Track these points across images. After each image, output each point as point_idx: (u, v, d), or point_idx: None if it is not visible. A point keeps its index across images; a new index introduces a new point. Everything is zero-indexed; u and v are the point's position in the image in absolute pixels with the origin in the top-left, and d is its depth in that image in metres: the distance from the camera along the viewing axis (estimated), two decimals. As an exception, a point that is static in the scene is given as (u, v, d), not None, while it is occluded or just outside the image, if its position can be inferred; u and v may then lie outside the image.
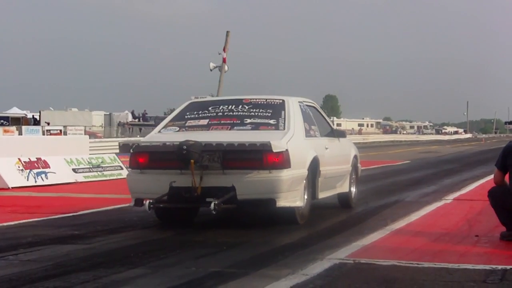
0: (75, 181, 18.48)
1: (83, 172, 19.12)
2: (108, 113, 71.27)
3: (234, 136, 9.84)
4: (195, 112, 10.96)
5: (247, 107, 10.77)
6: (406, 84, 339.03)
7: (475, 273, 6.49)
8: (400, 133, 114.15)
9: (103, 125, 66.84)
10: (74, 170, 18.88)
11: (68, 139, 29.59)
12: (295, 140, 10.00)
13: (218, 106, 10.98)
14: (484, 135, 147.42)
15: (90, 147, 24.49)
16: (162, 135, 10.51)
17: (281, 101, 10.91)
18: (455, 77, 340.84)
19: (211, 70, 38.97)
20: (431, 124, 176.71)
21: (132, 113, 70.97)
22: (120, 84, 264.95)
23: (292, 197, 9.65)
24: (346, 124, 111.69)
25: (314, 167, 10.41)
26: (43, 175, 17.73)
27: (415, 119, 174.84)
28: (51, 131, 44.87)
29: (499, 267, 6.70)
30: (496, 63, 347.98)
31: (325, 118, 12.23)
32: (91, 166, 19.59)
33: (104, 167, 20.08)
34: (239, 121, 10.51)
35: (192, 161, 9.30)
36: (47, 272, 6.80)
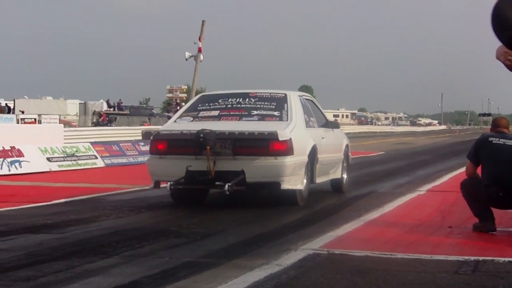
0: (49, 170, 18.34)
1: (57, 161, 19.00)
2: (83, 102, 70.82)
3: (243, 126, 10.91)
4: (207, 104, 12.02)
5: (253, 100, 11.83)
6: (382, 75, 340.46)
7: (447, 264, 6.51)
8: (375, 124, 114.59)
9: (78, 114, 66.43)
10: (48, 159, 18.75)
11: (42, 127, 29.37)
12: (297, 130, 11.11)
13: (227, 99, 12.01)
14: (458, 126, 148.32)
15: (64, 136, 24.36)
16: (178, 124, 11.57)
17: (283, 95, 11.97)
18: (430, 68, 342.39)
19: (186, 59, 38.89)
20: (406, 115, 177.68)
21: (107, 102, 70.60)
22: (95, 73, 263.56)
23: (294, 181, 10.75)
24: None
25: (313, 154, 11.47)
26: (16, 164, 17.59)
27: (390, 110, 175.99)
28: (26, 120, 44.49)
29: (472, 258, 6.72)
30: (470, 55, 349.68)
31: (321, 111, 13.29)
32: (65, 155, 19.46)
33: (79, 156, 19.95)
34: (246, 113, 11.58)
35: (208, 147, 10.40)
36: (19, 262, 6.75)
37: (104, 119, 52.81)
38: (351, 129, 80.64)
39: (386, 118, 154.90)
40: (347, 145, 13.96)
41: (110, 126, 47.28)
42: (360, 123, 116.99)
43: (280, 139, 10.45)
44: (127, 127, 42.54)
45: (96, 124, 50.27)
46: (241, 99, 11.89)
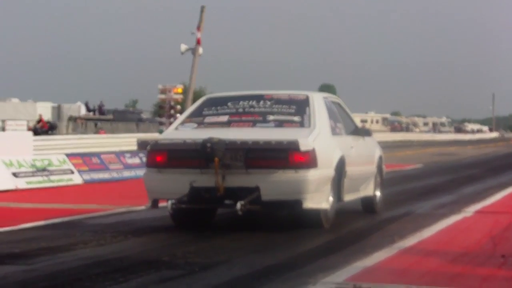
0: (15, 187, 18.37)
1: (25, 176, 19.01)
2: (56, 105, 70.92)
3: (257, 134, 11.07)
4: (214, 108, 12.17)
5: (269, 103, 11.97)
6: (419, 73, 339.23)
7: (500, 301, 6.51)
8: (411, 131, 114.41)
9: (50, 120, 66.55)
10: (14, 174, 18.77)
11: (7, 136, 29.41)
12: (321, 139, 11.21)
13: (238, 102, 12.16)
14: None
15: (34, 146, 24.36)
16: (180, 132, 11.68)
17: (304, 96, 12.09)
18: (478, 64, 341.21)
19: (182, 53, 38.91)
20: (449, 120, 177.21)
21: (86, 105, 70.74)
22: (72, 70, 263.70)
23: (318, 198, 10.83)
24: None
25: (340, 167, 11.56)
26: (-24, 180, 17.62)
27: (430, 114, 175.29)
28: (-14, 126, 44.58)
29: (530, 294, 6.71)
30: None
31: (349, 115, 13.51)
32: (35, 170, 19.48)
33: (51, 170, 19.96)
34: (261, 118, 11.72)
35: (216, 159, 10.46)
36: (-21, 299, 6.77)
37: (44, 126, 51.39)
38: (383, 137, 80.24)
39: (425, 124, 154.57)
40: (380, 157, 14.07)
41: (51, 134, 46.14)
42: (394, 129, 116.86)
43: (302, 149, 10.50)
44: (110, 135, 42.56)
45: (34, 132, 48.43)
46: (254, 102, 12.01)
